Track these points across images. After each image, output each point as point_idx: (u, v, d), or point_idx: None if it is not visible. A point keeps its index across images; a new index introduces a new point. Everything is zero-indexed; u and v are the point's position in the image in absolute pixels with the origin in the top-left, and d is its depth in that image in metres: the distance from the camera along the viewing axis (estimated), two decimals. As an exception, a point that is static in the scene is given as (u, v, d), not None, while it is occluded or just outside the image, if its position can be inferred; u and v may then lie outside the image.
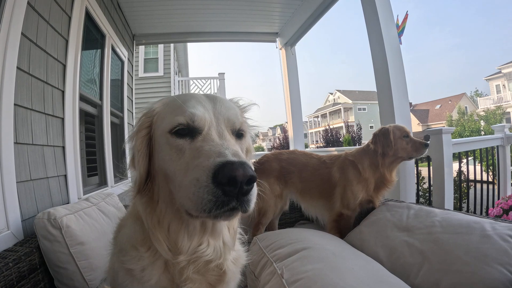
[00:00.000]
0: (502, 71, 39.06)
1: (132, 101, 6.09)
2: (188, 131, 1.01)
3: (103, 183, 4.14)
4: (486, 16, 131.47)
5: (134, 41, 6.39)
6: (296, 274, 1.48)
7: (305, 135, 63.29)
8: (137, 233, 1.16)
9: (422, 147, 2.54)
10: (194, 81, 14.23)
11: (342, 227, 2.61)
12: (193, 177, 0.89)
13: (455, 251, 1.64)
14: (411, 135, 2.61)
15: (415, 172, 3.72)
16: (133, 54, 6.28)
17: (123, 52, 5.26)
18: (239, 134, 1.13)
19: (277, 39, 6.73)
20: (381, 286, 1.45)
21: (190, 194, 0.89)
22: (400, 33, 4.91)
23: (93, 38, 3.96)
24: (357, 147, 2.91)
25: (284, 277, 1.49)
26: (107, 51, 4.35)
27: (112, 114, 4.54)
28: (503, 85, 38.71)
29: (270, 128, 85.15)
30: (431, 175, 3.61)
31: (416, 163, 3.83)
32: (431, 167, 3.58)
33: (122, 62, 5.35)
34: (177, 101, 1.09)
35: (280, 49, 6.70)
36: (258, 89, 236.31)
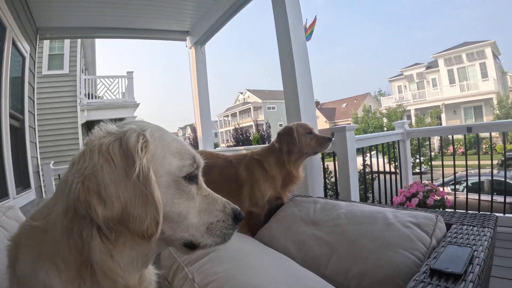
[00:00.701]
0: (404, 74, 42.51)
1: (34, 101, 5.60)
2: (194, 177, 1.08)
3: (3, 194, 3.79)
4: (390, 23, 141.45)
5: (38, 35, 5.83)
6: (207, 277, 1.48)
7: (216, 135, 63.03)
8: None
9: (326, 142, 2.65)
10: (102, 79, 13.69)
11: (253, 225, 2.62)
12: (218, 219, 1.09)
13: (360, 241, 1.73)
14: (315, 131, 2.70)
15: (322, 167, 3.90)
16: (36, 50, 5.76)
17: (25, 47, 4.81)
18: None
19: (187, 37, 6.64)
20: (291, 280, 1.48)
21: (216, 232, 1.08)
22: (308, 37, 5.10)
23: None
24: (263, 145, 2.96)
25: (195, 281, 1.49)
26: (7, 46, 3.96)
27: (11, 116, 4.15)
28: (404, 86, 42.13)
29: (180, 128, 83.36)
30: (337, 170, 3.77)
31: (323, 158, 3.99)
32: (336, 162, 3.75)
33: (24, 58, 4.90)
34: (168, 139, 1.06)
35: (190, 48, 6.61)
36: (169, 88, 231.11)
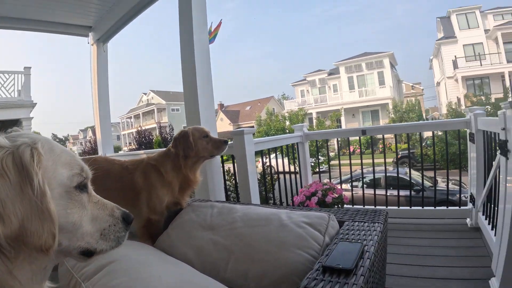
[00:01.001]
0: (307, 79, 44.53)
1: None
2: (84, 186, 1.07)
3: None
4: (297, 31, 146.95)
5: None
6: None
7: (118, 137, 61.08)
8: None
9: (222, 144, 2.63)
10: None
11: (153, 233, 2.52)
12: (109, 224, 1.11)
13: (256, 243, 1.75)
14: (211, 134, 2.67)
15: (222, 170, 3.88)
16: None
17: None
18: None
19: (90, 33, 6.16)
20: (189, 287, 1.46)
21: (110, 236, 1.10)
22: (212, 39, 5.08)
23: None
24: (160, 150, 2.86)
25: None
26: None
27: None
28: (307, 90, 44.33)
29: (81, 130, 79.43)
30: (236, 173, 3.77)
31: (223, 161, 3.97)
32: (235, 165, 3.74)
33: None
34: (58, 150, 1.05)
35: (92, 45, 6.16)
36: (70, 87, 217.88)
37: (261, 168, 4.76)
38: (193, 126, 2.70)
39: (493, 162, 3.39)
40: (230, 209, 2.15)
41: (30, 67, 12.97)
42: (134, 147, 28.82)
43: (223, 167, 3.92)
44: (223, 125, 48.63)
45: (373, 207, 4.89)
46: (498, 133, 2.90)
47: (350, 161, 5.10)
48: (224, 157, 4.06)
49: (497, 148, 3.08)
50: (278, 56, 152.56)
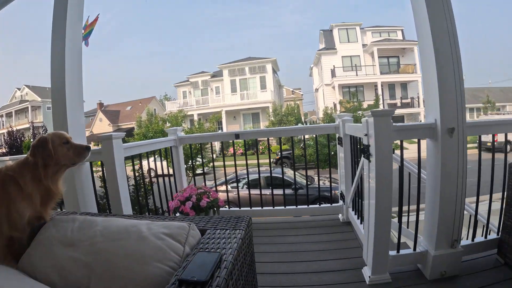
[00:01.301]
0: (190, 80, 44.35)
1: None
2: None
3: None
4: (184, 31, 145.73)
5: None
6: None
7: (-12, 139, 54.94)
8: None
9: (84, 151, 2.44)
10: None
11: (16, 252, 2.24)
12: None
13: (116, 258, 1.66)
14: (72, 140, 2.46)
15: (91, 178, 3.63)
16: None
17: None
18: None
19: None
20: None
21: None
22: (87, 35, 4.74)
23: None
24: (18, 158, 2.56)
25: None
26: None
27: None
28: (189, 91, 44.18)
29: None
30: (106, 180, 3.57)
31: (91, 167, 3.72)
32: (104, 172, 3.53)
33: None
34: None
35: None
36: None
37: (138, 173, 4.59)
38: (53, 132, 2.47)
39: (359, 163, 3.66)
40: (91, 222, 2.02)
41: None
42: (5, 150, 26.13)
43: (92, 174, 3.65)
44: (102, 126, 46.46)
45: (249, 208, 5.03)
46: (362, 138, 3.11)
47: (224, 163, 5.20)
48: (98, 163, 3.79)
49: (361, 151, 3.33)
50: (163, 56, 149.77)
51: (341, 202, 4.65)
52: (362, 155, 3.10)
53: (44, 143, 2.31)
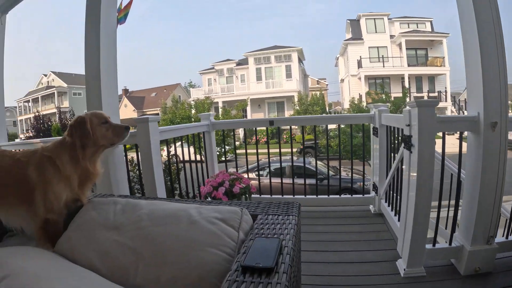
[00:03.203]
0: (215, 68, 44.32)
1: None
2: None
3: None
4: (206, 19, 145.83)
5: None
6: None
7: (14, 123, 56.22)
8: None
9: (123, 131, 2.38)
10: None
11: (52, 235, 2.20)
12: None
13: (166, 243, 1.61)
14: (110, 120, 2.41)
15: (125, 160, 3.64)
16: None
17: None
18: None
19: None
20: None
21: None
22: (122, 20, 4.72)
23: None
24: (56, 139, 2.53)
25: None
26: None
27: None
28: (214, 79, 44.09)
29: (-33, 115, 71.73)
30: (140, 163, 3.59)
31: (125, 150, 3.74)
32: (139, 155, 3.55)
33: None
34: None
35: None
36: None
37: (166, 158, 4.61)
38: (91, 111, 2.42)
39: (396, 155, 3.58)
40: (134, 206, 1.97)
41: None
42: (31, 134, 26.72)
43: (126, 157, 3.67)
44: (127, 112, 47.05)
45: (280, 196, 4.99)
46: (402, 129, 3.07)
47: (257, 150, 5.15)
48: (127, 146, 3.81)
49: (401, 142, 3.26)
50: (187, 43, 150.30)
51: (373, 193, 4.57)
52: (403, 146, 3.02)
53: (82, 123, 2.26)
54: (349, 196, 4.86)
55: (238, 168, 5.46)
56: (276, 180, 5.34)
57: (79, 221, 2.08)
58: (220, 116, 28.70)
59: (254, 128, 22.00)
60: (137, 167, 5.10)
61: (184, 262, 1.51)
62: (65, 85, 51.85)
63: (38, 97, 54.96)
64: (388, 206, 4.08)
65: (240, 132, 23.10)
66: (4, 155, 2.34)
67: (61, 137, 2.36)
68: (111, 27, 3.50)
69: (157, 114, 36.03)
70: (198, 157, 5.05)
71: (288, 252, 1.37)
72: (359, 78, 35.73)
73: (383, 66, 35.40)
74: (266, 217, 1.83)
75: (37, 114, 28.07)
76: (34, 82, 60.19)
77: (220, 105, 38.86)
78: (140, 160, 3.54)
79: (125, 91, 53.23)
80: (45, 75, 57.54)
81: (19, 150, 2.48)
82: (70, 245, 1.93)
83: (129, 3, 4.73)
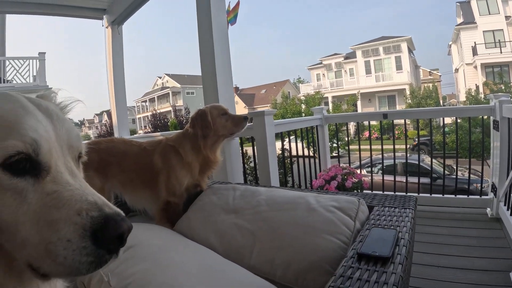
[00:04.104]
0: (323, 63, 44.20)
1: None
2: (30, 166, 0.68)
3: None
4: (310, 14, 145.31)
5: None
6: (124, 279, 1.35)
7: (134, 121, 61.03)
8: None
9: (242, 121, 2.56)
10: (11, 61, 12.33)
11: (172, 216, 2.46)
12: (60, 237, 0.64)
13: (283, 228, 1.68)
14: (229, 111, 2.60)
15: (241, 152, 3.83)
16: None
17: None
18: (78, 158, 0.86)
19: (104, 16, 6.02)
20: (213, 275, 1.42)
21: (58, 257, 0.63)
22: (232, 21, 4.98)
23: None
24: (178, 131, 2.79)
25: (111, 284, 1.35)
26: None
27: None
28: (323, 74, 44.05)
29: (97, 114, 79.45)
30: (256, 155, 3.73)
31: (241, 143, 3.93)
32: (255, 147, 3.70)
33: None
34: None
35: (106, 27, 6.02)
36: (84, 71, 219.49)
37: (279, 151, 4.70)
38: (211, 104, 2.63)
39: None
40: (253, 192, 2.08)
41: (44, 53, 12.83)
42: (149, 130, 28.99)
43: (242, 149, 3.88)
44: (238, 109, 47.23)
45: (392, 193, 4.82)
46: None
47: (371, 146, 5.03)
48: (243, 138, 4.01)
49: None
50: (293, 39, 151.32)
51: (491, 195, 4.22)
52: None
53: (203, 115, 2.47)
54: (465, 197, 4.51)
55: (350, 164, 5.42)
56: (388, 178, 5.20)
57: (200, 204, 2.26)
58: (330, 110, 28.43)
59: (365, 123, 21.52)
60: (250, 160, 5.31)
61: (299, 246, 1.57)
62: (178, 85, 55.26)
63: (154, 97, 59.49)
64: (508, 210, 3.75)
65: (351, 127, 22.69)
66: (132, 144, 2.64)
67: (183, 129, 2.61)
68: (223, 29, 3.70)
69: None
70: (307, 152, 5.08)
71: (404, 244, 1.37)
72: (475, 67, 31.80)
73: (501, 52, 30.78)
74: (383, 208, 1.84)
75: (154, 112, 30.47)
76: (150, 84, 65.47)
77: (330, 100, 38.48)
78: (255, 151, 3.70)
79: (236, 89, 55.02)
80: (160, 77, 62.43)
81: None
82: (189, 225, 2.11)
83: (237, 5, 4.95)
